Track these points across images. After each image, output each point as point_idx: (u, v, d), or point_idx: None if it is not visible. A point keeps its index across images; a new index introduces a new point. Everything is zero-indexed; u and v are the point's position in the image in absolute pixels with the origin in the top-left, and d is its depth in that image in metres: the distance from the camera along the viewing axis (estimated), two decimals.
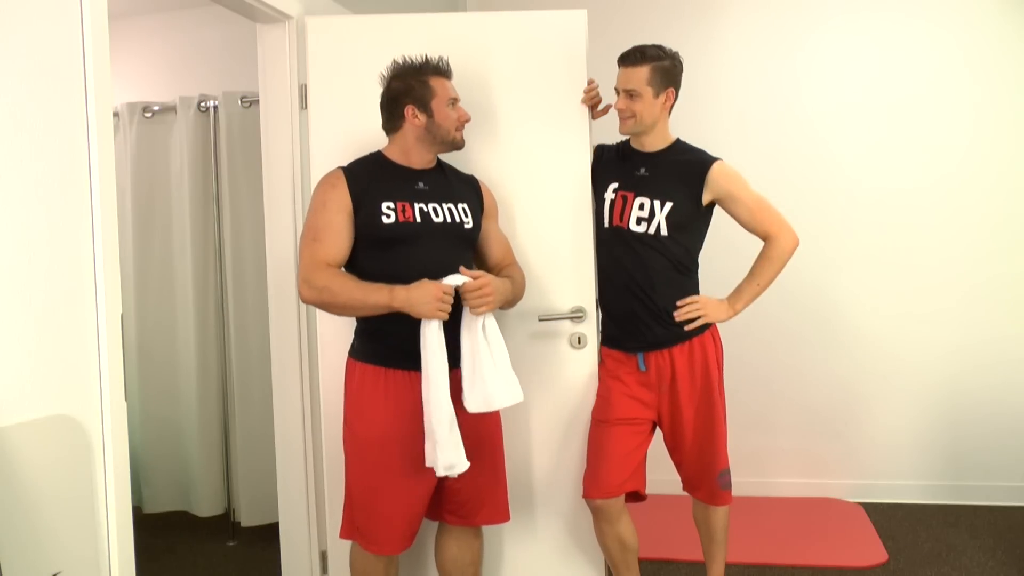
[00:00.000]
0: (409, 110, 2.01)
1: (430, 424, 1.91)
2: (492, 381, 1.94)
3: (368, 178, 2.01)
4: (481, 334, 1.95)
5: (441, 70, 2.04)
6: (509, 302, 2.11)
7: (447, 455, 1.90)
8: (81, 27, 1.62)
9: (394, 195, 2.00)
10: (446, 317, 1.91)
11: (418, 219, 2.00)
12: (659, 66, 2.19)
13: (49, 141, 1.55)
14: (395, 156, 2.07)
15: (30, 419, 1.50)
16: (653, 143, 2.28)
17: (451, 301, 1.91)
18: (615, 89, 2.24)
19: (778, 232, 2.25)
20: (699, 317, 2.23)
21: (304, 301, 1.99)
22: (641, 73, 2.18)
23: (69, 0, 1.60)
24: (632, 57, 2.20)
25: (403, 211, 1.99)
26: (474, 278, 1.94)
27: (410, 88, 2.01)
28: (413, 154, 2.06)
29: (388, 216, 1.97)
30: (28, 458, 1.47)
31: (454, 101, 2.05)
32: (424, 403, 1.92)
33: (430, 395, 1.90)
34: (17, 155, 1.49)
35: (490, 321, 1.97)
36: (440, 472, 1.92)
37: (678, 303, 2.24)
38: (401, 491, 2.00)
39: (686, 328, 2.24)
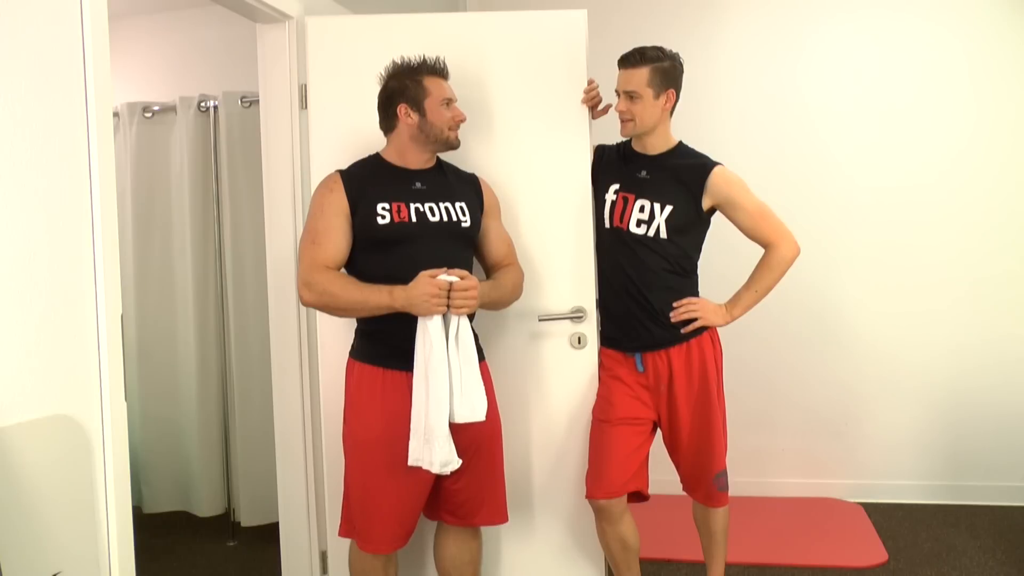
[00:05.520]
0: (402, 109, 2.02)
1: (426, 421, 1.89)
2: (452, 394, 1.92)
3: (365, 180, 2.02)
4: (453, 341, 1.93)
5: (436, 70, 2.04)
6: (494, 303, 2.10)
7: (443, 452, 1.90)
8: (81, 27, 1.62)
9: (390, 196, 2.00)
10: (445, 310, 1.91)
11: (414, 219, 2.00)
12: (659, 67, 2.18)
13: (49, 141, 1.55)
14: (392, 157, 2.08)
15: (30, 419, 1.49)
16: (655, 145, 2.28)
17: (446, 296, 1.91)
18: (615, 91, 2.24)
19: (779, 240, 2.24)
20: (695, 319, 2.24)
21: (305, 304, 1.99)
22: (641, 75, 2.18)
23: (69, 0, 1.60)
24: (632, 59, 2.19)
25: (398, 211, 1.99)
26: (461, 278, 1.93)
27: (404, 88, 2.02)
28: (409, 154, 2.06)
29: (383, 217, 1.98)
30: (28, 458, 1.47)
31: (448, 101, 2.04)
32: (416, 400, 1.92)
33: (432, 391, 1.89)
34: (17, 155, 1.49)
35: (465, 329, 1.95)
36: (436, 470, 1.91)
37: (675, 303, 2.24)
38: (396, 490, 2.00)
39: (682, 330, 2.24)
